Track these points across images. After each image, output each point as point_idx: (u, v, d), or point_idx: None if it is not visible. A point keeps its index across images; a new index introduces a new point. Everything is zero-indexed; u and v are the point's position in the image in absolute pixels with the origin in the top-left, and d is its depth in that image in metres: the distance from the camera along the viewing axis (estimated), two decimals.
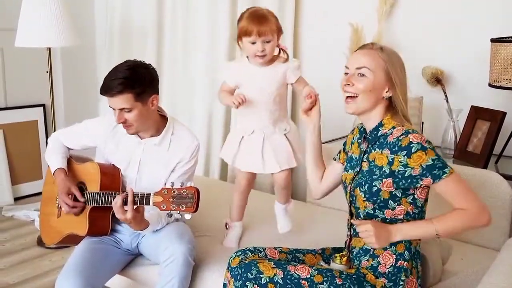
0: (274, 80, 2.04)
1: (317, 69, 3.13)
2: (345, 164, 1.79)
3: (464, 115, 2.56)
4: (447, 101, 2.60)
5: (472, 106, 2.55)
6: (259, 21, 1.93)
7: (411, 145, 1.52)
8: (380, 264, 1.61)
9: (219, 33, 3.31)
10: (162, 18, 3.60)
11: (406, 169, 1.53)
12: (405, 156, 1.53)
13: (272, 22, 1.95)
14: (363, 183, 1.62)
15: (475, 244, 2.18)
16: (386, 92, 1.61)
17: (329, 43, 3.10)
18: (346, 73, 1.66)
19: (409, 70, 1.67)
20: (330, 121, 2.88)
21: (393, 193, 1.57)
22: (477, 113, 2.51)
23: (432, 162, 1.51)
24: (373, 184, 1.59)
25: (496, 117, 2.39)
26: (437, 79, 2.66)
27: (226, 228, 2.26)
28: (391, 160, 1.56)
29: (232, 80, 2.10)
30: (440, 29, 2.73)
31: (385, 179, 1.57)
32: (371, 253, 1.63)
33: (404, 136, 1.55)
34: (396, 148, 1.55)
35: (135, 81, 1.90)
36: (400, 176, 1.55)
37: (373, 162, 1.62)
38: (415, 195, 1.59)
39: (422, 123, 2.63)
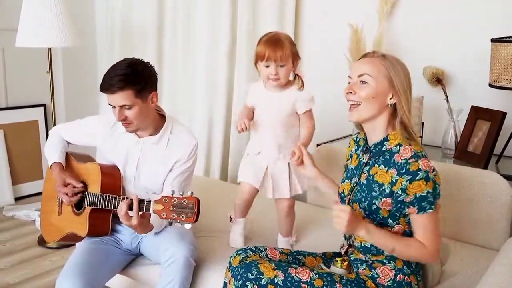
0: (283, 107, 2.05)
1: (318, 69, 3.13)
2: (343, 175, 1.77)
3: (465, 115, 2.56)
4: (447, 101, 2.60)
5: (472, 106, 2.54)
6: (274, 45, 1.97)
7: (419, 172, 1.50)
8: (379, 276, 1.60)
9: (220, 33, 3.31)
10: (162, 18, 3.60)
11: (402, 194, 1.52)
12: (408, 181, 1.50)
13: (287, 47, 1.98)
14: (362, 199, 1.60)
15: (475, 244, 2.18)
16: (390, 99, 1.57)
17: (330, 43, 3.10)
18: (349, 83, 1.64)
19: (410, 70, 1.65)
20: (330, 122, 2.89)
21: (392, 212, 1.56)
22: (477, 113, 2.51)
23: (425, 194, 1.50)
24: (373, 202, 1.58)
25: (496, 117, 2.39)
26: (438, 79, 2.66)
27: (230, 221, 2.24)
28: (394, 181, 1.53)
29: (250, 100, 2.15)
30: (440, 29, 2.73)
31: (384, 199, 1.56)
32: (369, 263, 1.62)
33: (414, 160, 1.51)
34: (404, 171, 1.52)
35: (135, 77, 1.91)
36: (395, 198, 1.54)
37: (372, 177, 1.59)
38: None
39: (423, 123, 2.63)
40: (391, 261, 1.60)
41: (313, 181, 1.87)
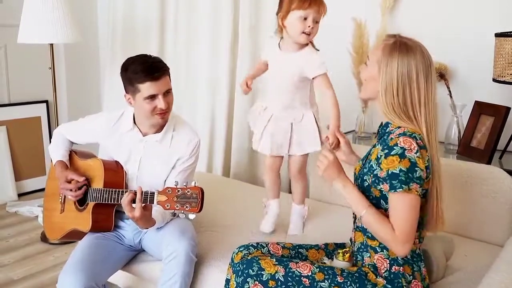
0: (291, 69, 2.03)
1: None
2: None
3: (468, 110, 2.55)
4: (450, 96, 2.58)
5: (476, 101, 2.53)
6: None
7: (395, 147, 1.47)
8: (377, 266, 1.59)
9: (221, 29, 3.30)
10: (164, 14, 3.59)
11: (376, 168, 1.50)
12: (384, 155, 1.48)
13: (325, 5, 1.95)
14: (357, 176, 1.62)
15: (479, 240, 2.17)
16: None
17: (333, 38, 3.07)
18: None
19: None
20: None
21: (384, 193, 1.53)
22: (481, 108, 2.50)
23: (398, 172, 1.45)
24: (364, 178, 1.58)
25: (500, 112, 2.37)
26: (441, 74, 2.64)
27: (264, 207, 2.29)
28: (378, 156, 1.52)
29: (265, 55, 2.16)
30: (444, 24, 2.71)
31: (371, 175, 1.55)
32: (370, 249, 1.61)
33: (397, 136, 1.49)
34: (384, 144, 1.51)
35: (163, 62, 1.97)
36: (372, 171, 1.53)
37: (370, 157, 1.60)
38: None
39: None
40: (384, 250, 1.57)
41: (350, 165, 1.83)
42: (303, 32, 1.94)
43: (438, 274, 1.80)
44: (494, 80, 2.35)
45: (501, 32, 2.31)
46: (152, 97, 1.91)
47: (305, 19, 1.92)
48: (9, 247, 2.95)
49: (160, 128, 2.05)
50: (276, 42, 2.08)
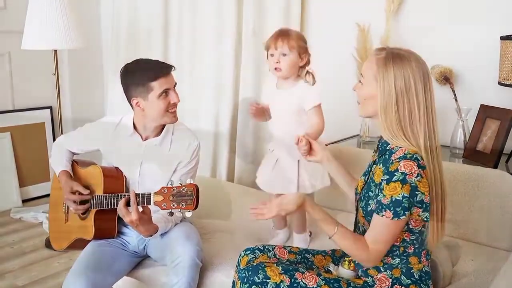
0: (289, 104, 2.07)
1: (324, 70, 3.10)
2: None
3: (474, 114, 2.53)
4: (456, 100, 2.57)
5: (481, 105, 2.52)
6: (279, 35, 2.03)
7: (395, 173, 1.44)
8: (375, 284, 1.57)
9: (225, 34, 3.30)
10: (168, 19, 3.59)
11: (379, 194, 1.47)
12: (385, 181, 1.45)
13: (292, 38, 2.01)
14: (362, 198, 1.58)
15: (485, 244, 2.15)
16: None
17: (336, 44, 3.08)
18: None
19: None
20: (337, 122, 2.87)
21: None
22: (486, 112, 2.48)
23: (401, 199, 1.43)
24: (369, 202, 1.54)
25: (506, 116, 2.36)
26: (446, 78, 2.63)
27: (272, 228, 2.31)
28: (381, 181, 1.49)
29: (265, 98, 2.25)
30: (448, 27, 2.70)
31: (375, 201, 1.51)
32: (363, 269, 1.59)
33: (398, 160, 1.45)
34: (387, 170, 1.47)
35: None
36: (375, 197, 1.50)
37: (373, 177, 1.56)
38: (410, 225, 1.51)
39: None
40: (388, 270, 1.55)
41: (323, 165, 1.84)
42: (273, 68, 2.04)
43: (444, 281, 1.78)
44: (499, 83, 2.34)
45: (506, 35, 2.30)
46: (166, 92, 1.94)
47: (272, 55, 2.04)
48: (14, 253, 2.95)
49: (159, 132, 2.05)
50: (271, 84, 2.16)
